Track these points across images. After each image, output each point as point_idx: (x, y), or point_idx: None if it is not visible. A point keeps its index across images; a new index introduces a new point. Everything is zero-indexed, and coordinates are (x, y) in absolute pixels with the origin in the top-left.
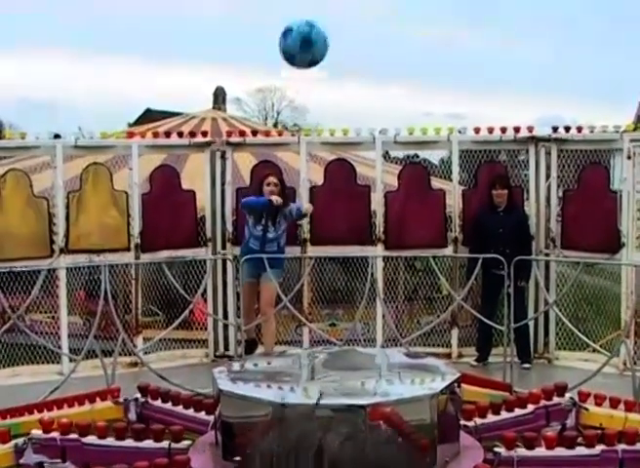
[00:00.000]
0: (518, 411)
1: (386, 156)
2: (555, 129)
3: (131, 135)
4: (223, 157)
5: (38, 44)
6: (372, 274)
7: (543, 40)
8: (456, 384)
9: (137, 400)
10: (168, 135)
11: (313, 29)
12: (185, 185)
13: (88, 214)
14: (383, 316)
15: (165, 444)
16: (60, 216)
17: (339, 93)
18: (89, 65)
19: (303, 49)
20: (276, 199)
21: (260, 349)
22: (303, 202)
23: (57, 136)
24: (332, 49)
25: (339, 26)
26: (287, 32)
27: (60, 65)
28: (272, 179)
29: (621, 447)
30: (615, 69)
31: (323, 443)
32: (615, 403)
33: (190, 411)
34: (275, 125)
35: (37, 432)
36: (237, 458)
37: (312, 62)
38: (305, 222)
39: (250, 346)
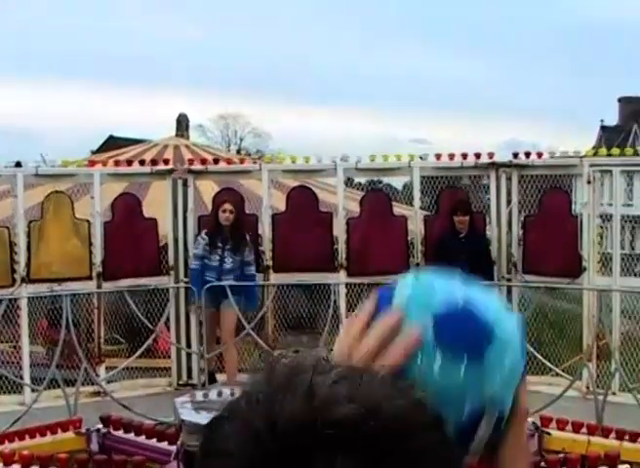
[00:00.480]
0: None
1: (349, 182)
2: (516, 155)
3: (92, 163)
4: (185, 185)
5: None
6: (334, 301)
7: (509, 63)
8: None
9: (99, 430)
10: (130, 163)
11: None
12: (147, 213)
13: (49, 243)
14: None
15: None
16: (21, 246)
17: (303, 119)
18: (52, 92)
19: None
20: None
21: (222, 378)
22: (265, 229)
23: (17, 165)
24: (299, 75)
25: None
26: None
27: (23, 93)
28: (227, 206)
29: None
30: (576, 92)
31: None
32: (577, 427)
33: (153, 441)
34: (238, 151)
35: None
36: None
37: None
38: (268, 250)
39: (210, 378)
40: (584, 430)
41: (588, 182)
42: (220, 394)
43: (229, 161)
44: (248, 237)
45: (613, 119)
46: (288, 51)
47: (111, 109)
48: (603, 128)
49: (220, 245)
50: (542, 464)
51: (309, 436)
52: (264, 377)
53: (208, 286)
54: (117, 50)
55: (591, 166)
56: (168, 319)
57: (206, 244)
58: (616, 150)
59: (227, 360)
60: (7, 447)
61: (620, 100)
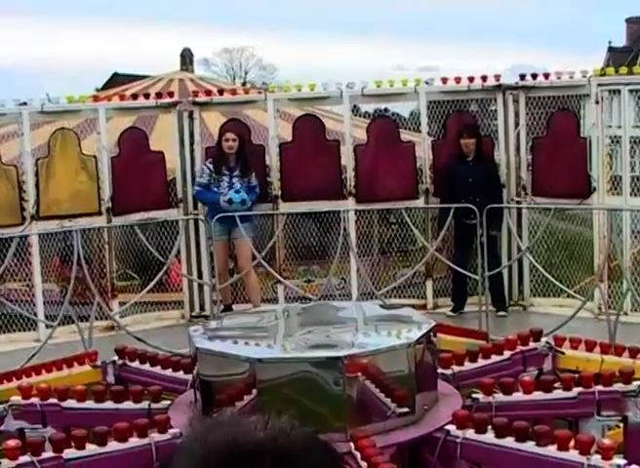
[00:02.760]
0: (495, 358)
1: (356, 111)
2: (522, 76)
3: (97, 98)
4: (191, 117)
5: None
6: (344, 228)
7: None
8: (432, 333)
9: (114, 362)
10: (135, 97)
11: None
12: (154, 147)
13: (57, 181)
14: (358, 270)
15: (144, 404)
16: (29, 184)
17: (308, 50)
18: (55, 31)
19: None
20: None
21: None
22: (273, 159)
23: (23, 104)
24: (303, 5)
25: None
26: None
27: (25, 32)
28: (230, 135)
29: (598, 388)
30: (586, 17)
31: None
32: (590, 346)
33: (168, 371)
34: (244, 84)
35: (16, 398)
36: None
37: None
38: (276, 179)
39: (226, 310)
40: (598, 349)
41: (597, 102)
42: (232, 322)
43: (234, 92)
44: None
45: (621, 41)
46: None
47: (115, 47)
48: (611, 49)
49: (226, 172)
50: (557, 383)
51: (235, 454)
52: (198, 424)
53: (219, 216)
54: None
55: (599, 85)
56: (178, 252)
57: (211, 172)
58: (624, 69)
59: (249, 287)
60: (24, 381)
61: (627, 21)
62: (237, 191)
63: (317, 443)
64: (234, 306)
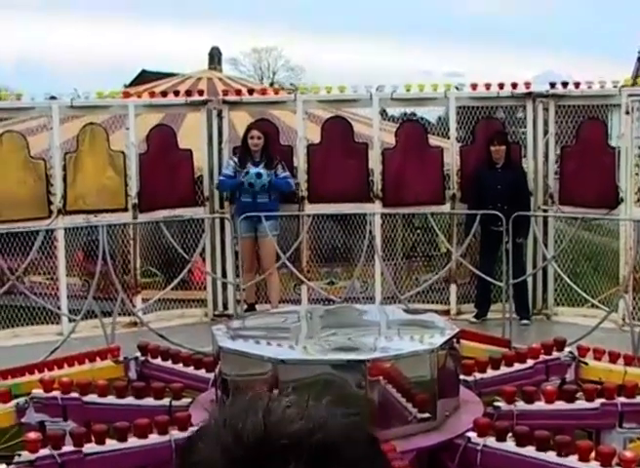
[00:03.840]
0: (517, 366)
1: (384, 115)
2: (553, 85)
3: (127, 94)
4: (220, 116)
5: (33, 7)
6: (370, 231)
7: None
8: (455, 340)
9: (137, 358)
10: (164, 94)
11: None
12: (182, 145)
13: (85, 175)
14: (382, 273)
15: (166, 401)
16: (57, 178)
17: (336, 53)
18: (83, 28)
19: None
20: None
21: (262, 308)
22: (300, 160)
23: (52, 98)
24: (329, 6)
25: None
26: None
27: (54, 28)
28: (255, 133)
29: (621, 400)
30: (613, 23)
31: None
32: (614, 357)
33: (190, 369)
34: (271, 85)
35: (38, 391)
36: None
37: None
38: (303, 180)
39: (249, 310)
40: (621, 360)
41: (627, 113)
42: (256, 322)
43: (264, 92)
44: (278, 157)
45: None
46: None
47: (143, 44)
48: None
49: (251, 166)
50: (579, 393)
51: (268, 446)
52: (228, 405)
53: (244, 216)
54: None
55: (630, 96)
56: (203, 250)
57: (236, 165)
58: None
59: (271, 286)
60: (46, 375)
61: None
62: (258, 174)
63: (360, 435)
64: (257, 306)
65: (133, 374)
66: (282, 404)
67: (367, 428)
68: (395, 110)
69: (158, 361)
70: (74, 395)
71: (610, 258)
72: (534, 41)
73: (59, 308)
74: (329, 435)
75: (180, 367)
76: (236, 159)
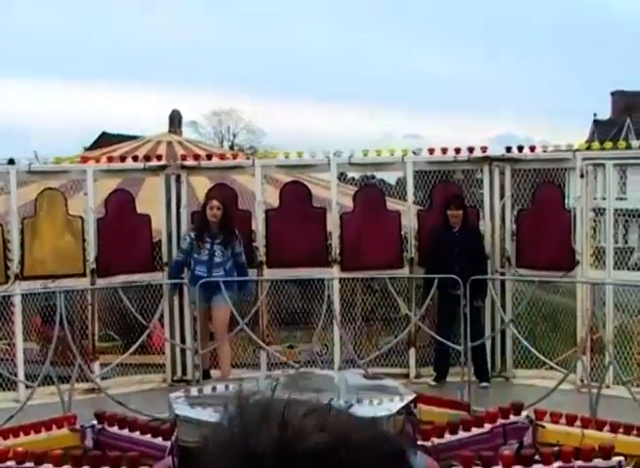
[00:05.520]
0: (475, 430)
1: (342, 178)
2: (509, 149)
3: (85, 159)
4: (179, 180)
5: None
6: (328, 296)
7: (501, 58)
8: (412, 405)
9: (93, 427)
10: (123, 159)
11: None
12: (141, 209)
13: (43, 240)
14: (341, 337)
15: None
16: (14, 243)
17: (296, 116)
18: (44, 90)
19: None
20: None
21: (217, 374)
22: (259, 224)
23: (10, 162)
24: (291, 72)
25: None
26: None
27: (13, 91)
28: (215, 203)
29: (578, 463)
30: (568, 86)
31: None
32: (571, 420)
33: (147, 437)
34: (231, 148)
35: None
36: None
37: None
38: (261, 245)
39: (205, 375)
40: (578, 423)
41: (581, 176)
42: (214, 389)
43: (222, 156)
44: (237, 231)
45: (606, 113)
46: (281, 48)
47: (104, 106)
48: (596, 122)
49: (208, 240)
50: (537, 457)
51: (284, 463)
52: (237, 412)
53: (201, 282)
54: (109, 46)
55: (584, 159)
56: (162, 315)
57: (192, 240)
58: (608, 143)
59: (221, 355)
60: (1, 444)
61: (612, 94)
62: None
63: (388, 449)
64: (212, 371)
65: (89, 443)
66: (299, 411)
67: (395, 440)
68: (355, 173)
69: (115, 429)
70: (29, 465)
71: (568, 319)
72: (492, 104)
73: (15, 374)
74: (353, 451)
75: (137, 435)
76: (193, 235)
